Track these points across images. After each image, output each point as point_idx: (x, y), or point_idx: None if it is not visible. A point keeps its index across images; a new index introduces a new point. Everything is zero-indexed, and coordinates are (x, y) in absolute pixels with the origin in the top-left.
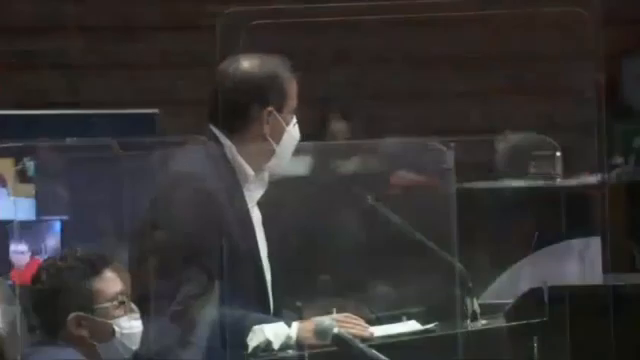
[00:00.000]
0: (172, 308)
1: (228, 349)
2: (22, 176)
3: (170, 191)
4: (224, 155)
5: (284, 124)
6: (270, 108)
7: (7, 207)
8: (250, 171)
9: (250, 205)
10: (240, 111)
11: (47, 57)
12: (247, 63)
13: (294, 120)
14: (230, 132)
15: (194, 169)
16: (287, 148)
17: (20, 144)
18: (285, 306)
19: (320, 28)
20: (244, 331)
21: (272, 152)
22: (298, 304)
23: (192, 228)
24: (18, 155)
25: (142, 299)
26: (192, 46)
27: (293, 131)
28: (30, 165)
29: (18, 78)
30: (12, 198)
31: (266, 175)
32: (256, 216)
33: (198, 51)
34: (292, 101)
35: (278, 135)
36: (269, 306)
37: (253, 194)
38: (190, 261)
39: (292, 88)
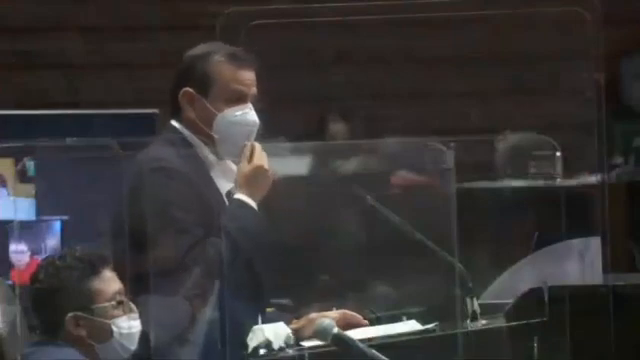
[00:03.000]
0: (169, 285)
1: (226, 321)
2: (22, 176)
3: (140, 174)
4: (189, 144)
5: (212, 109)
6: (188, 90)
7: (7, 207)
8: (211, 156)
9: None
10: (172, 94)
11: (47, 57)
12: (193, 48)
13: (240, 108)
14: (176, 118)
15: (159, 153)
16: (231, 135)
17: (20, 144)
18: (277, 305)
19: (320, 28)
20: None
21: (210, 137)
22: (283, 302)
23: (168, 200)
24: (18, 155)
25: (136, 281)
26: (192, 46)
27: (236, 118)
28: (30, 165)
29: (18, 78)
30: (12, 198)
31: (232, 166)
32: None
33: None
34: (224, 88)
35: (207, 120)
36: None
37: (220, 183)
38: (173, 236)
39: (225, 74)
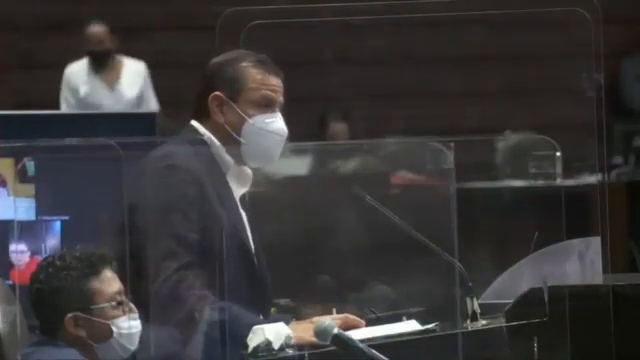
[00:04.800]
0: (159, 283)
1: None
2: (22, 176)
3: (149, 171)
4: (206, 145)
5: (242, 114)
6: (218, 93)
7: (7, 207)
8: (229, 158)
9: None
10: (199, 98)
11: (47, 57)
12: (220, 55)
13: (271, 116)
14: (201, 123)
15: (171, 151)
16: (259, 142)
17: (20, 144)
18: (277, 305)
19: (320, 28)
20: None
21: (238, 143)
22: (282, 302)
23: (171, 202)
24: (18, 155)
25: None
26: (192, 46)
27: (265, 125)
28: (30, 165)
29: (18, 78)
30: (12, 198)
31: (248, 171)
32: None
33: (198, 51)
34: (254, 92)
35: (236, 125)
36: (258, 285)
37: (235, 187)
38: (172, 235)
39: (255, 79)
